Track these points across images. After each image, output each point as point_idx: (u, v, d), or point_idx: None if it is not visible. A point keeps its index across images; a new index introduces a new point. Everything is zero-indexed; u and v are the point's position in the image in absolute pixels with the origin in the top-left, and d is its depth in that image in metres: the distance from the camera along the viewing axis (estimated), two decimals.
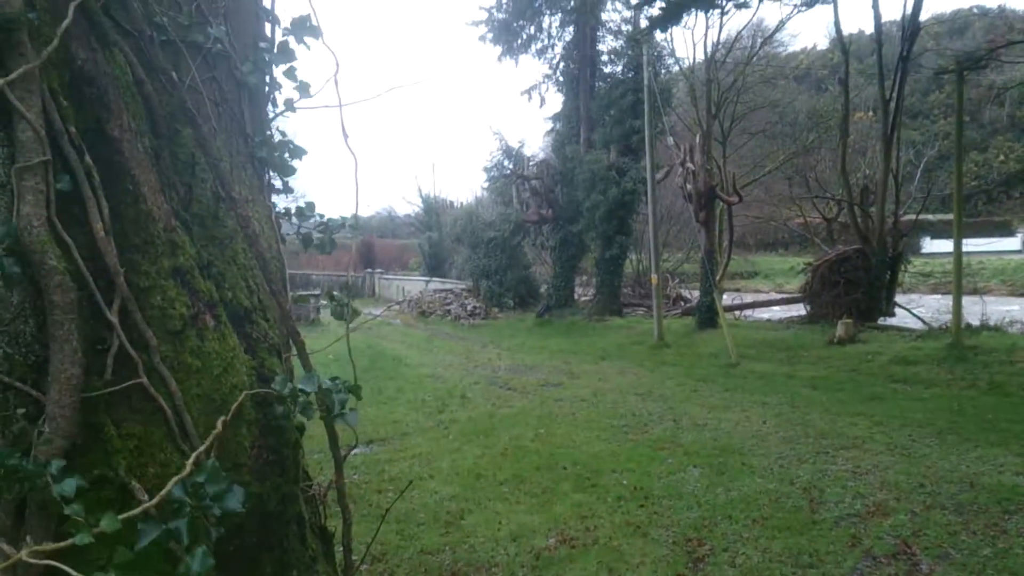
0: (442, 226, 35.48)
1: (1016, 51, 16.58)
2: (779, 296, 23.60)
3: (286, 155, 2.76)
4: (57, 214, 1.81)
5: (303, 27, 2.61)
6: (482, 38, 25.91)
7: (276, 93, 2.82)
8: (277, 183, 2.90)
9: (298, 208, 2.83)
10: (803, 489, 6.98)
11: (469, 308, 25.06)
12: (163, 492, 1.75)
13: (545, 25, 25.61)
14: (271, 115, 2.88)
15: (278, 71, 2.74)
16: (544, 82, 26.50)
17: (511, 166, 26.19)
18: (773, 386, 11.92)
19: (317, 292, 26.21)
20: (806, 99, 29.23)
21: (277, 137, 2.78)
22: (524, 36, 25.69)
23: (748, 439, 8.77)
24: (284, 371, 2.42)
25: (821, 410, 10.05)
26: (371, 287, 36.24)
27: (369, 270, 38.09)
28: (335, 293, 2.76)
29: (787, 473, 7.47)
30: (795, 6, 19.71)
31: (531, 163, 25.70)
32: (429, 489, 7.70)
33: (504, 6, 25.23)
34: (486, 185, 30.88)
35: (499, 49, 25.95)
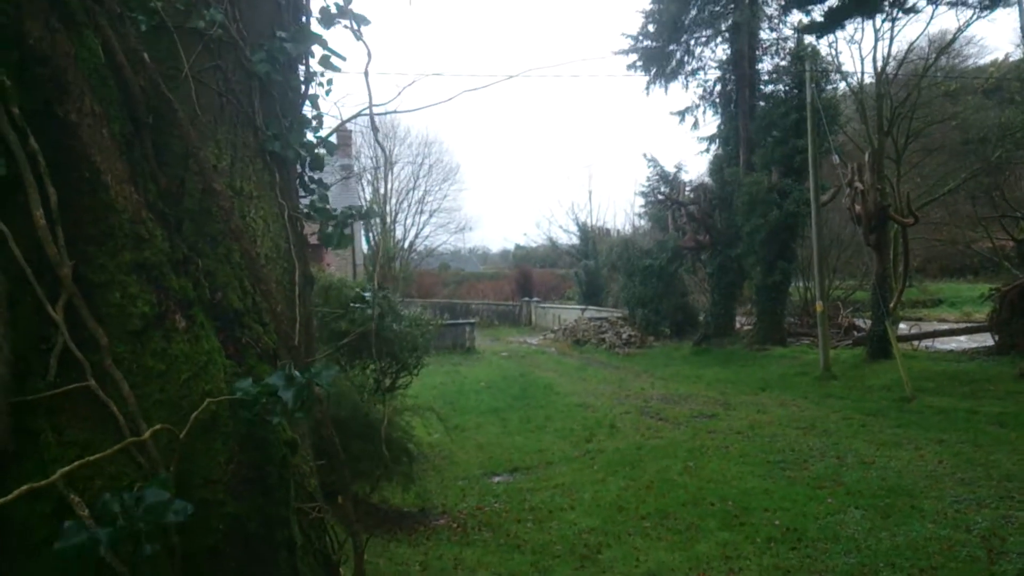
0: (598, 254, 35.44)
1: None
2: (962, 325, 21.44)
3: (318, 149, 2.60)
4: None
5: (342, 15, 2.49)
6: (631, 67, 25.82)
7: (316, 86, 2.67)
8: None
9: (312, 205, 2.66)
10: (981, 537, 6.32)
11: (624, 337, 24.72)
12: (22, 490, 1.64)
13: (697, 47, 25.16)
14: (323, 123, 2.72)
15: (314, 62, 2.60)
16: (699, 104, 25.97)
17: (666, 191, 25.74)
18: (953, 422, 10.88)
19: (473, 320, 26.81)
20: (995, 113, 26.56)
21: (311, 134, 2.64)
22: (674, 60, 25.33)
23: (920, 480, 8.07)
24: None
25: (1008, 450, 9.05)
26: (527, 315, 36.60)
27: (526, 298, 38.57)
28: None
29: (963, 519, 6.79)
30: (974, 11, 18.19)
31: (687, 188, 25.14)
32: (568, 520, 7.66)
33: (650, 32, 25.02)
34: (641, 212, 30.52)
35: (648, 76, 25.77)
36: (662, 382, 17.37)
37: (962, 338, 19.90)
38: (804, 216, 19.89)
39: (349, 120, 2.78)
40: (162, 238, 1.97)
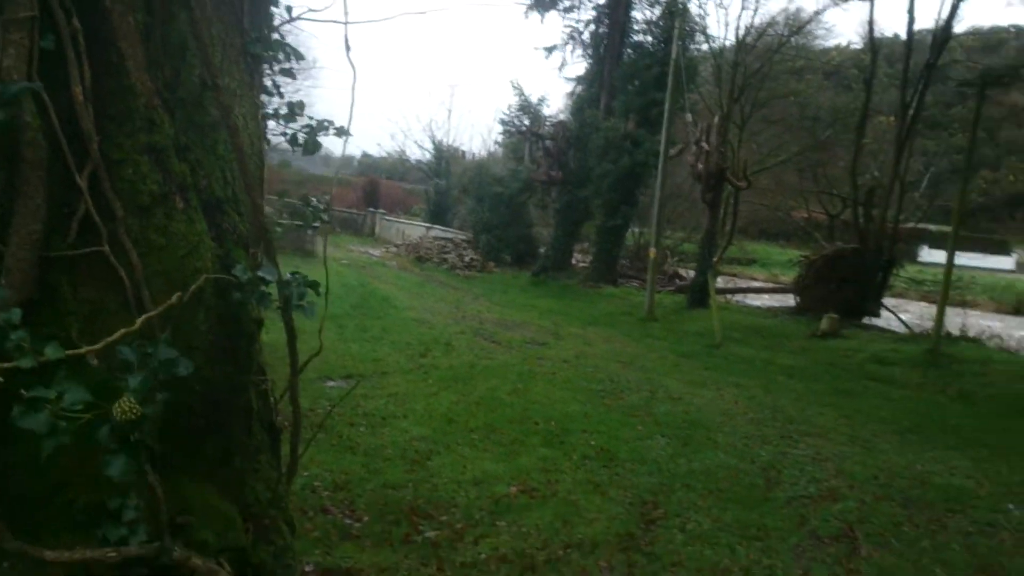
0: (451, 175, 35.31)
1: None
2: (771, 285, 23.76)
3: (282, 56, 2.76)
4: (40, 74, 1.81)
5: None
6: None
7: None
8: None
9: (290, 106, 2.83)
10: (762, 468, 7.21)
11: (466, 259, 25.09)
12: (109, 340, 1.82)
13: None
14: (278, 19, 2.87)
15: None
16: (569, 42, 26.23)
17: (527, 122, 26.01)
18: (751, 370, 12.15)
19: (316, 224, 26.10)
20: (831, 95, 28.85)
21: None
22: None
23: (718, 416, 8.98)
24: (249, 263, 2.44)
25: (793, 397, 10.27)
26: (371, 227, 36.08)
27: (371, 209, 37.82)
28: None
29: (749, 452, 7.69)
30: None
31: (548, 123, 25.53)
32: (400, 428, 7.80)
33: None
34: (500, 139, 30.67)
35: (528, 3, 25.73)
36: (499, 307, 17.86)
37: (766, 296, 22.03)
38: (652, 167, 20.84)
39: (292, 20, 2.84)
40: (169, 124, 2.13)
